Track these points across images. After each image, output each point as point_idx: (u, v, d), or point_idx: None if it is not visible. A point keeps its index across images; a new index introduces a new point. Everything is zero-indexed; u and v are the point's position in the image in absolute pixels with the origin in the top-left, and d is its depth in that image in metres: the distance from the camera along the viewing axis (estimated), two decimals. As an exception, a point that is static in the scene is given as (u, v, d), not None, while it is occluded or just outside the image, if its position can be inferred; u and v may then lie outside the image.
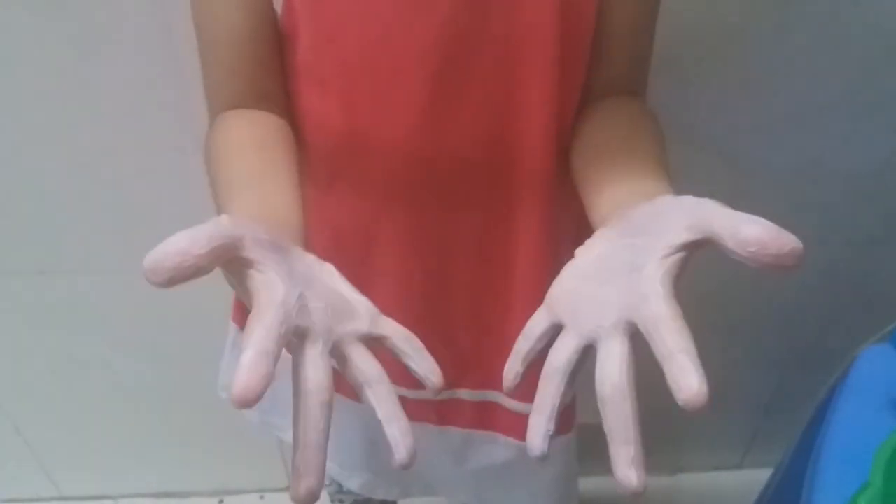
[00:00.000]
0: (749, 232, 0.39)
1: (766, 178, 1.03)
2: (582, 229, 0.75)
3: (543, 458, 0.45)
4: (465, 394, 0.80)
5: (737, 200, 1.12)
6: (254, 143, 0.58)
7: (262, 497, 1.49)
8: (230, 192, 0.53)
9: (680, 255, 0.42)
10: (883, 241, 1.10)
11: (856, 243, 1.11)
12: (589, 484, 0.93)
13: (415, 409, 0.79)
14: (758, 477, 1.10)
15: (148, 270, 0.36)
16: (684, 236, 0.41)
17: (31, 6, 0.85)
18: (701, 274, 1.13)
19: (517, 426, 0.80)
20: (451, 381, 0.79)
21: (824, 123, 0.98)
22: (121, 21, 0.86)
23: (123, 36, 0.87)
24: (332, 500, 1.16)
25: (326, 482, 1.13)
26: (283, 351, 0.86)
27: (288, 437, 0.93)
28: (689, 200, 0.43)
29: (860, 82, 0.94)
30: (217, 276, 0.94)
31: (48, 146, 0.97)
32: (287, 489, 1.53)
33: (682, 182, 1.00)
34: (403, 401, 0.78)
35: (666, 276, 0.41)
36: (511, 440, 0.81)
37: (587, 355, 0.43)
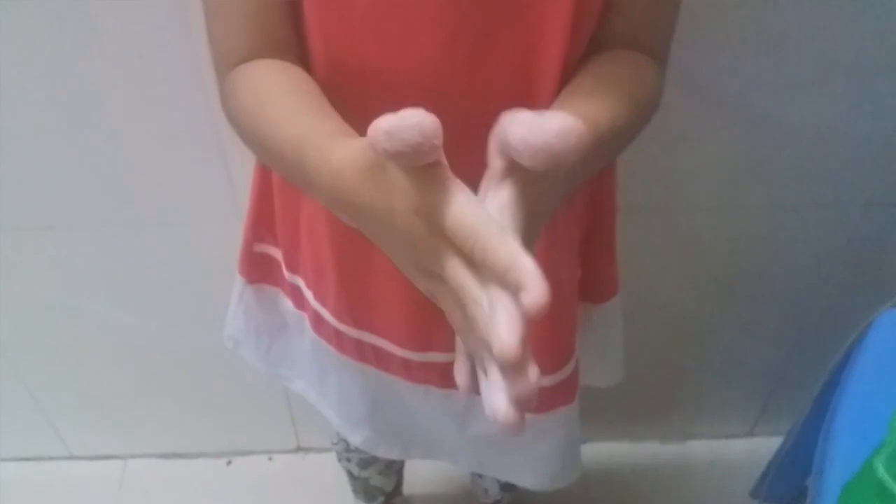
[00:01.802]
0: (513, 134, 0.39)
1: (783, 141, 1.01)
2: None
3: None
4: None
5: (754, 162, 1.12)
6: (300, 86, 0.57)
7: (270, 458, 1.50)
8: (310, 120, 0.53)
9: (506, 184, 0.43)
10: (897, 206, 1.09)
11: (870, 207, 1.09)
12: (587, 451, 0.92)
13: (419, 372, 0.80)
14: (769, 445, 1.10)
15: (383, 132, 0.37)
16: (500, 165, 0.43)
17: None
18: (711, 241, 1.13)
19: None
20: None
21: (842, 85, 0.96)
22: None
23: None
24: (340, 459, 1.17)
25: (333, 440, 1.13)
26: (290, 303, 0.85)
27: (295, 386, 0.94)
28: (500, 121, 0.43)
29: (879, 44, 0.92)
30: (221, 237, 0.94)
31: (51, 97, 0.96)
32: (296, 451, 1.55)
33: (699, 141, 1.00)
34: (408, 363, 0.78)
35: (503, 211, 0.42)
36: None
37: None
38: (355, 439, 0.91)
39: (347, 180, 0.45)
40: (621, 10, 0.61)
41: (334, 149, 0.48)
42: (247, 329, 0.90)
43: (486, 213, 0.41)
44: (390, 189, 0.43)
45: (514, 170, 0.42)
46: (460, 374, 0.47)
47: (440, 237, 0.41)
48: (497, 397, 0.40)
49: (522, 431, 0.40)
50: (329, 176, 0.47)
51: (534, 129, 0.38)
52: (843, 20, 0.90)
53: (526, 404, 0.39)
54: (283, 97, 0.56)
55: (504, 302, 0.38)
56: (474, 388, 0.44)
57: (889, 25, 0.90)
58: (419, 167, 0.40)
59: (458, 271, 0.40)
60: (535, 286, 0.36)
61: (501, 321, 0.37)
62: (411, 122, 0.37)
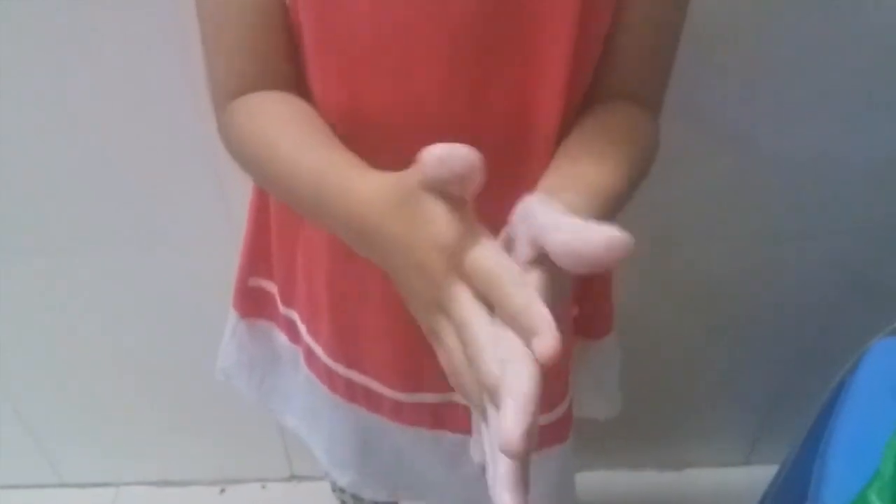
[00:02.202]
0: (557, 241, 0.40)
1: (776, 169, 1.02)
2: None
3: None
4: (460, 398, 0.79)
5: (747, 191, 1.12)
6: (306, 117, 0.58)
7: (263, 486, 1.49)
8: (326, 151, 0.54)
9: (536, 271, 0.43)
10: (890, 234, 1.09)
11: (863, 236, 1.10)
12: (584, 479, 0.92)
13: (410, 413, 0.79)
14: (764, 473, 1.09)
15: (436, 157, 0.40)
16: (528, 253, 0.43)
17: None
18: (706, 269, 1.14)
19: None
20: (448, 384, 0.78)
21: (835, 113, 0.97)
22: None
23: None
24: (334, 490, 1.16)
25: (326, 471, 1.12)
26: (285, 337, 0.85)
27: (286, 422, 0.93)
28: (531, 208, 0.44)
29: (872, 72, 0.93)
30: (217, 264, 0.94)
31: (46, 120, 0.96)
32: (289, 479, 1.54)
33: (694, 169, 1.00)
34: (398, 405, 0.78)
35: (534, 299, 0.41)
36: None
37: None
38: (342, 481, 0.90)
39: (377, 209, 0.46)
40: (621, 56, 0.61)
41: (365, 178, 0.49)
42: (239, 363, 0.89)
43: (508, 259, 0.41)
44: (418, 222, 0.43)
45: (545, 261, 0.42)
46: (476, 452, 0.47)
47: (457, 274, 0.42)
48: (504, 494, 0.40)
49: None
50: (357, 204, 0.48)
51: (580, 238, 0.39)
52: (836, 51, 0.91)
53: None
54: (292, 127, 0.57)
55: (510, 383, 0.38)
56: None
57: (880, 56, 0.91)
58: (451, 205, 0.42)
59: (466, 306, 0.41)
60: (547, 332, 0.37)
61: (508, 410, 0.37)
62: (462, 153, 0.39)
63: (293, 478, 1.49)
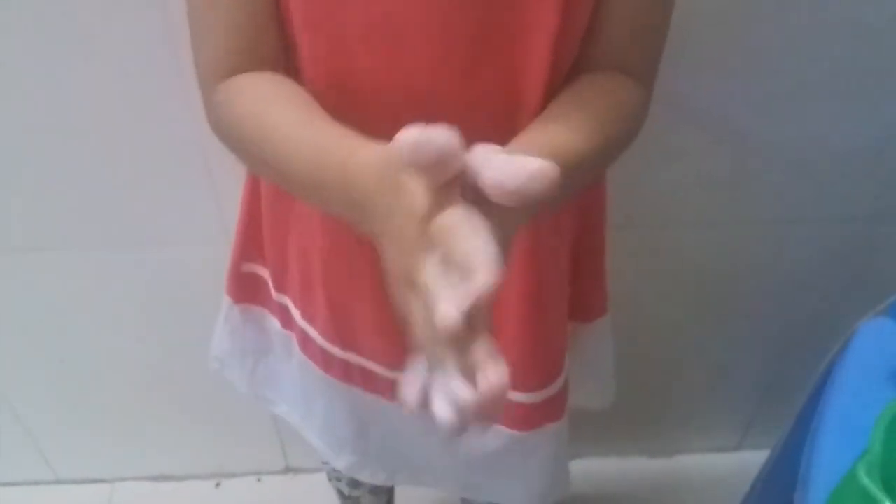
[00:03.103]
0: (487, 177, 0.42)
1: (765, 156, 1.03)
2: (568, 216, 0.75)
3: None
4: None
5: (739, 178, 1.13)
6: (298, 95, 0.58)
7: (259, 480, 1.49)
8: (323, 124, 0.54)
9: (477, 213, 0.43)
10: (881, 217, 1.10)
11: (854, 219, 1.11)
12: (574, 467, 0.92)
13: None
14: (756, 459, 1.10)
15: (410, 144, 0.40)
16: (470, 196, 0.44)
17: None
18: (697, 256, 1.14)
19: (509, 415, 0.79)
20: None
21: (821, 102, 0.97)
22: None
23: None
24: (330, 479, 1.17)
25: (323, 460, 1.13)
26: (279, 325, 0.85)
27: (279, 410, 0.93)
28: (470, 154, 0.44)
29: (856, 61, 0.94)
30: (209, 258, 0.94)
31: (37, 117, 0.96)
32: (285, 472, 1.54)
33: (684, 158, 1.01)
34: (394, 384, 0.78)
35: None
36: (503, 429, 0.80)
37: None
38: (339, 464, 0.90)
39: (370, 178, 0.47)
40: (604, 31, 0.62)
41: (361, 149, 0.49)
42: (232, 350, 0.90)
43: (471, 215, 0.42)
44: (401, 192, 0.44)
45: (480, 201, 0.43)
46: (410, 387, 0.47)
47: (427, 242, 0.42)
48: (442, 402, 0.42)
49: (464, 432, 0.42)
50: (353, 174, 0.49)
51: (507, 172, 0.41)
52: (824, 40, 0.91)
53: (490, 404, 0.39)
54: (285, 105, 0.57)
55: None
56: (425, 404, 0.45)
57: (869, 44, 0.92)
58: (434, 178, 0.42)
59: (430, 273, 0.41)
60: (485, 270, 0.38)
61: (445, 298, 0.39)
62: (438, 140, 0.40)
63: (288, 470, 1.49)
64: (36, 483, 1.49)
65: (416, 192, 0.43)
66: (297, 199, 0.67)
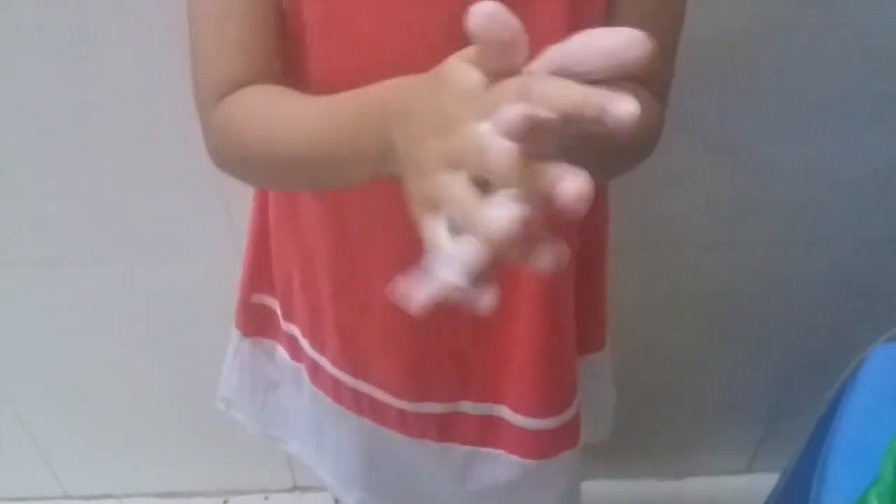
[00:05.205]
0: (574, 42, 0.37)
1: (771, 180, 1.03)
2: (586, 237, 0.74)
3: None
4: (468, 407, 0.78)
5: (746, 200, 1.13)
6: (294, 91, 0.57)
7: (266, 498, 1.49)
8: (328, 97, 0.52)
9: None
10: (889, 242, 1.10)
11: (862, 244, 1.10)
12: (583, 489, 0.91)
13: (415, 424, 0.78)
14: (766, 482, 1.09)
15: (486, 13, 0.36)
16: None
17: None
18: (706, 277, 1.14)
19: (522, 443, 0.77)
20: (454, 392, 0.77)
21: (830, 125, 0.97)
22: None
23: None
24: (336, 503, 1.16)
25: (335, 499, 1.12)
26: (288, 356, 0.84)
27: (290, 448, 0.93)
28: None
29: (865, 84, 0.94)
30: (220, 277, 0.94)
31: (48, 133, 0.97)
32: (292, 490, 1.53)
33: (691, 180, 1.01)
34: (404, 415, 0.77)
35: None
36: (516, 459, 0.78)
37: None
38: (350, 500, 0.89)
39: (401, 89, 0.45)
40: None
41: (381, 85, 0.47)
42: (241, 387, 0.89)
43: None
44: (449, 78, 0.41)
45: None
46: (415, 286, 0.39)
47: (479, 106, 0.38)
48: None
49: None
50: (375, 93, 0.47)
51: (598, 33, 0.37)
52: (834, 62, 0.91)
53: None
54: (293, 97, 0.56)
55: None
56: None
57: (879, 68, 0.92)
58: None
59: (458, 181, 0.38)
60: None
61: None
62: (512, 21, 0.36)
63: (296, 488, 1.49)
64: (44, 498, 1.49)
65: (471, 70, 0.39)
66: (320, 187, 0.63)
